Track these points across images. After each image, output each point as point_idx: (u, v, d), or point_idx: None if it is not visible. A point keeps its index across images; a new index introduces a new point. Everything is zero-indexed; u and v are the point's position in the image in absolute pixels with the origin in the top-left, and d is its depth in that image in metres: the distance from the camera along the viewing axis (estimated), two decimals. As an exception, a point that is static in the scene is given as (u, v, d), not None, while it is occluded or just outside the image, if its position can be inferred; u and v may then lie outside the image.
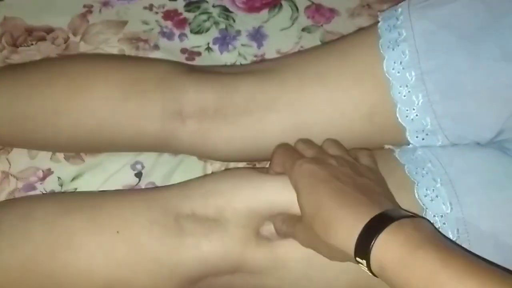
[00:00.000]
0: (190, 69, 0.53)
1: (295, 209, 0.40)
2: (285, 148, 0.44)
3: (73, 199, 0.46)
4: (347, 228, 0.35)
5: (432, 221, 0.42)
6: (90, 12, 0.66)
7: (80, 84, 0.49)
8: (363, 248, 0.33)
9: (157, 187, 0.53)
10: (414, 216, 0.35)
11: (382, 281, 0.33)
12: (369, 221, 0.34)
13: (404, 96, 0.46)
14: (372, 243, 0.33)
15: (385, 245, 0.33)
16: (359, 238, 0.33)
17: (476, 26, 0.45)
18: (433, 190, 0.43)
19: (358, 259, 0.34)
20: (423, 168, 0.45)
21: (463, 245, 0.41)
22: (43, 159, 0.54)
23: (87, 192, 0.51)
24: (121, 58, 0.59)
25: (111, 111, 0.49)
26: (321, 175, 0.38)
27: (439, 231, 0.36)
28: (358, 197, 0.36)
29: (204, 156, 0.54)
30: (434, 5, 0.47)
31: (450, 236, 0.42)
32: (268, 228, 0.43)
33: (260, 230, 0.42)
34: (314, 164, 0.39)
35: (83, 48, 0.63)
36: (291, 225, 0.40)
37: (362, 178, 0.39)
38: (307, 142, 0.45)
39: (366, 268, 0.34)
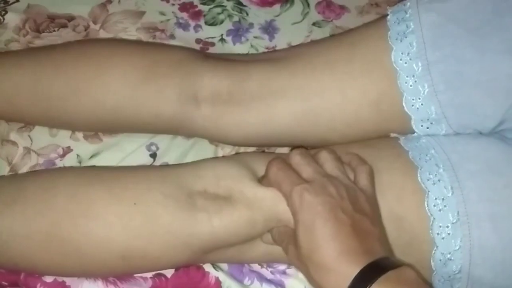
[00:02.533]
0: (205, 55, 0.55)
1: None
2: (280, 165, 0.42)
3: (93, 171, 0.48)
4: (337, 277, 0.36)
5: (433, 204, 0.44)
6: (110, 2, 0.68)
7: (101, 65, 0.52)
8: None
9: (171, 165, 0.55)
10: (403, 265, 0.37)
11: None
12: (359, 272, 0.35)
13: (411, 85, 0.48)
14: None
15: None
16: (351, 285, 0.35)
17: (481, 19, 0.47)
18: (436, 174, 0.45)
19: None
20: (427, 155, 0.47)
21: (462, 227, 0.43)
22: (63, 137, 0.56)
23: (106, 166, 0.54)
24: (140, 42, 0.61)
25: (130, 93, 0.51)
26: (319, 211, 0.38)
27: (426, 282, 0.37)
28: (352, 243, 0.37)
29: (216, 139, 0.56)
30: (442, -1, 0.49)
31: (450, 218, 0.44)
32: (267, 235, 0.45)
33: (262, 238, 0.45)
34: (314, 196, 0.39)
35: (103, 35, 0.65)
36: (285, 241, 0.42)
37: (359, 216, 0.39)
38: (303, 155, 0.43)
39: None
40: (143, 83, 0.51)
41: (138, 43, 0.61)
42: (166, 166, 0.53)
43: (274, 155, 0.51)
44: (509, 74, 0.45)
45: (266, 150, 0.59)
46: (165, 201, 0.43)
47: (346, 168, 0.44)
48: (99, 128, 0.56)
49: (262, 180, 0.45)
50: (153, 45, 0.60)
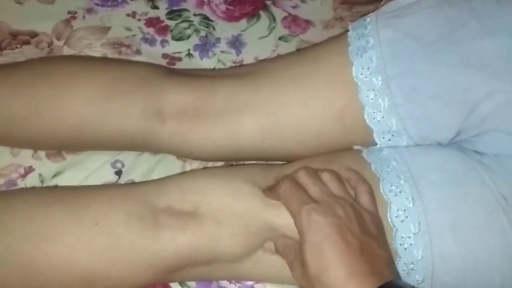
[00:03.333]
0: (170, 71, 0.55)
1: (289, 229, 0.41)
2: (290, 183, 0.43)
3: (53, 192, 0.47)
4: None
5: (396, 215, 0.45)
6: (74, 18, 0.68)
7: (62, 83, 0.51)
8: None
9: (135, 182, 0.54)
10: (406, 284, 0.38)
11: None
12: None
13: (371, 99, 0.49)
14: None
15: None
16: None
17: (437, 35, 0.48)
18: (397, 186, 0.46)
19: None
20: (388, 166, 0.48)
21: (424, 237, 0.44)
22: (25, 156, 0.55)
23: (67, 186, 0.53)
24: (104, 59, 0.61)
25: (93, 111, 0.51)
26: (327, 232, 0.39)
27: None
28: (360, 265, 0.38)
29: (183, 155, 0.56)
30: (399, 15, 0.50)
31: (412, 229, 0.44)
32: (270, 246, 0.44)
33: (263, 246, 0.45)
34: (322, 216, 0.39)
35: (67, 52, 0.65)
36: (290, 256, 0.42)
37: (366, 238, 0.39)
38: (310, 175, 0.43)
39: None
40: (106, 101, 0.51)
41: (101, 60, 0.60)
42: (130, 184, 0.53)
43: (244, 168, 0.51)
44: (464, 87, 0.46)
45: (234, 164, 0.59)
46: (128, 220, 0.43)
47: (346, 185, 0.44)
48: (62, 146, 0.55)
49: (265, 193, 0.45)
50: (116, 61, 0.59)
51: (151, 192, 0.46)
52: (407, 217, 0.44)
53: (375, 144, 0.51)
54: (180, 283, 0.50)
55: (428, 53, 0.48)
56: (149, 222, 0.43)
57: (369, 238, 0.40)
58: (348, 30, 0.53)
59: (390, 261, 0.40)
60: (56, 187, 0.53)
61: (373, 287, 0.36)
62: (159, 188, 0.46)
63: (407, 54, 0.48)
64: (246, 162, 0.58)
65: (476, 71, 0.46)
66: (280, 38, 0.70)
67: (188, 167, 0.58)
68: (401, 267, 0.44)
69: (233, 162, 0.58)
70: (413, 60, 0.48)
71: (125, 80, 0.52)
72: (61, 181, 0.54)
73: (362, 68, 0.49)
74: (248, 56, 0.68)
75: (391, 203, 0.45)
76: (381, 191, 0.45)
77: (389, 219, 0.44)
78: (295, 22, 0.72)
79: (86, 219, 0.43)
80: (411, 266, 0.44)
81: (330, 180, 0.44)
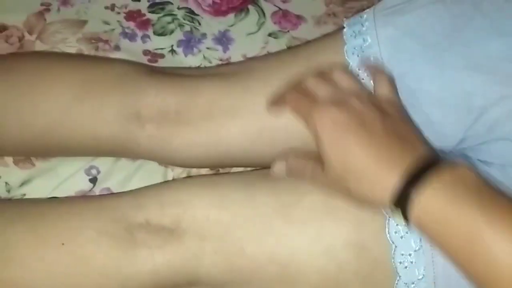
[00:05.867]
0: (150, 70, 0.51)
1: None
2: (296, 89, 0.40)
3: (15, 208, 0.43)
4: (382, 180, 0.33)
5: (395, 230, 0.41)
6: (48, 10, 0.63)
7: (31, 82, 0.46)
8: (400, 201, 0.32)
9: (109, 194, 0.50)
10: (451, 160, 0.33)
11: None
12: (406, 170, 0.32)
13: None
14: (410, 196, 0.31)
15: (425, 199, 0.31)
16: (397, 190, 0.32)
17: (440, 34, 0.45)
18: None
19: (393, 207, 0.33)
20: None
21: (426, 255, 0.40)
22: (-11, 163, 0.51)
23: (32, 199, 0.48)
24: (77, 56, 0.56)
25: (64, 113, 0.46)
26: (346, 124, 0.35)
27: (483, 176, 0.33)
28: (390, 146, 0.34)
29: (164, 161, 0.52)
30: (399, 12, 0.47)
31: (413, 245, 0.41)
32: (280, 167, 0.41)
33: (270, 171, 0.41)
34: (336, 111, 0.36)
35: (39, 47, 0.60)
36: (308, 170, 0.38)
37: (388, 119, 0.36)
38: (318, 77, 0.40)
39: (401, 217, 0.33)
40: (77, 102, 0.46)
41: (74, 56, 0.55)
42: (102, 196, 0.49)
43: (231, 175, 0.48)
44: (470, 92, 0.43)
45: (221, 171, 0.55)
46: (98, 239, 0.39)
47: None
48: (30, 152, 0.50)
49: (269, 108, 0.42)
50: (91, 59, 0.55)
51: (127, 206, 0.42)
52: (407, 232, 0.41)
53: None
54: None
55: (430, 54, 0.44)
56: (123, 240, 0.39)
57: (392, 119, 0.36)
58: (343, 27, 0.49)
59: (421, 137, 0.37)
60: (18, 200, 0.49)
61: (408, 163, 0.32)
62: (136, 200, 0.42)
63: (408, 55, 0.45)
64: (233, 169, 0.54)
65: (483, 75, 0.42)
66: (269, 35, 0.66)
67: (170, 174, 0.54)
68: (400, 286, 0.41)
69: (219, 169, 0.54)
70: (414, 62, 0.45)
71: (99, 79, 0.48)
72: (30, 190, 0.50)
73: (359, 69, 0.46)
74: (235, 53, 0.63)
75: (389, 217, 0.41)
76: None
77: (388, 235, 0.41)
78: (285, 17, 0.68)
79: (51, 239, 0.39)
80: (412, 286, 0.41)
81: (342, 78, 0.40)
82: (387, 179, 0.33)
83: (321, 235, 0.41)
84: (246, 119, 0.48)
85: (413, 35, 0.45)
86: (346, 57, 0.46)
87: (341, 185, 0.36)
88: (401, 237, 0.41)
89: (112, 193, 0.50)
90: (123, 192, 0.47)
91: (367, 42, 0.46)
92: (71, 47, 0.60)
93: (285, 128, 0.47)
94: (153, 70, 0.51)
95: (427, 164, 0.32)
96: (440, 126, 0.44)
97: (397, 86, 0.45)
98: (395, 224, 0.41)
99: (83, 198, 0.49)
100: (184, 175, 0.54)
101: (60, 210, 0.41)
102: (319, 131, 0.36)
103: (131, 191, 0.45)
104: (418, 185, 0.31)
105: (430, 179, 0.31)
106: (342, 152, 0.35)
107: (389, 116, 0.37)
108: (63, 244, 0.38)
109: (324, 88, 0.39)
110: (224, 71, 0.51)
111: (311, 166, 0.38)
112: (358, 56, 0.46)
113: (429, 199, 0.31)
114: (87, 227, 0.39)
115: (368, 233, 0.41)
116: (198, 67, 0.61)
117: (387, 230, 0.41)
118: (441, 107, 0.44)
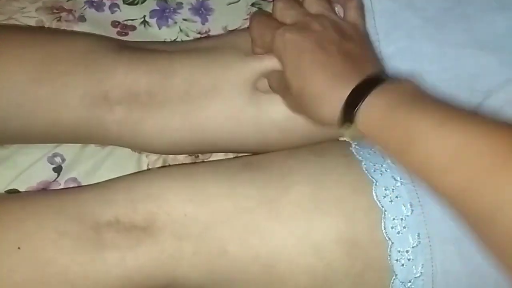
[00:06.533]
0: (119, 45, 0.45)
1: None
2: (260, 17, 0.40)
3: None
4: (333, 99, 0.34)
5: (391, 225, 0.38)
6: (3, -26, 0.56)
7: (-21, 62, 0.41)
8: (349, 116, 0.33)
9: (72, 188, 0.45)
10: (398, 78, 0.35)
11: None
12: (353, 89, 0.34)
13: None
14: (356, 110, 0.33)
15: (368, 110, 0.33)
16: (344, 106, 0.34)
17: (441, 6, 0.41)
18: (393, 190, 0.39)
19: (346, 125, 0.34)
20: (382, 165, 0.40)
21: (424, 251, 0.37)
22: None
23: (-17, 195, 0.43)
24: (36, 31, 0.50)
25: (22, 96, 0.41)
26: (304, 46, 0.36)
27: (427, 94, 0.34)
28: (343, 67, 0.35)
29: (137, 148, 0.47)
30: (396, -19, 0.42)
31: (410, 241, 0.38)
32: (263, 84, 0.41)
33: (256, 85, 0.41)
34: (296, 33, 0.37)
35: (-7, 17, 0.53)
36: (281, 88, 0.39)
37: (347, 44, 0.37)
38: (287, 1, 0.40)
39: (353, 132, 0.34)
40: (37, 84, 0.41)
41: (31, 30, 0.49)
42: (65, 190, 0.44)
43: (210, 164, 0.44)
44: (474, 72, 0.39)
45: (200, 157, 0.50)
46: (59, 240, 0.34)
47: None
48: (-17, 139, 0.45)
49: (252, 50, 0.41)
50: (52, 33, 0.49)
51: (93, 201, 0.37)
52: (404, 227, 0.38)
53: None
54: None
55: (431, 29, 0.40)
56: (89, 241, 0.35)
57: (351, 43, 0.37)
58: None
59: (376, 61, 0.38)
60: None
61: (357, 83, 0.34)
62: (103, 195, 0.38)
63: (406, 30, 0.41)
64: (213, 155, 0.50)
65: (489, 54, 0.39)
66: (252, 4, 0.60)
67: (144, 161, 0.49)
68: (397, 285, 0.38)
69: (198, 155, 0.50)
70: (413, 38, 0.41)
71: (60, 57, 0.42)
72: (-15, 181, 0.45)
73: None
74: (215, 25, 0.58)
75: (385, 211, 0.38)
76: (374, 196, 0.38)
77: (384, 231, 0.37)
78: (270, -16, 0.62)
79: (5, 242, 0.34)
80: (409, 284, 0.38)
81: (311, 3, 0.40)
82: (338, 96, 0.34)
83: (309, 232, 0.38)
84: (228, 100, 0.43)
85: (412, 8, 0.42)
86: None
87: (302, 107, 0.37)
88: (398, 233, 0.38)
89: (76, 187, 0.45)
90: (88, 185, 0.42)
91: (362, 16, 0.42)
92: (30, 18, 0.54)
93: (268, 108, 0.43)
94: (122, 45, 0.45)
95: (375, 80, 0.34)
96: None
97: (393, 65, 0.41)
98: (392, 219, 0.38)
99: (43, 193, 0.44)
100: (160, 162, 0.49)
101: (15, 209, 0.36)
102: (281, 56, 0.37)
103: (97, 184, 0.40)
104: (364, 98, 0.33)
105: (375, 92, 0.33)
106: (299, 74, 0.36)
107: (349, 40, 0.37)
108: (19, 248, 0.34)
109: (290, 13, 0.39)
110: (203, 46, 0.46)
111: (284, 86, 0.39)
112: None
113: (372, 108, 0.33)
114: (47, 227, 0.35)
115: (361, 228, 0.38)
116: (174, 41, 0.56)
117: (383, 225, 0.37)
118: (442, 88, 0.40)
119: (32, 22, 0.53)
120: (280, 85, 0.39)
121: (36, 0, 0.55)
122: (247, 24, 0.58)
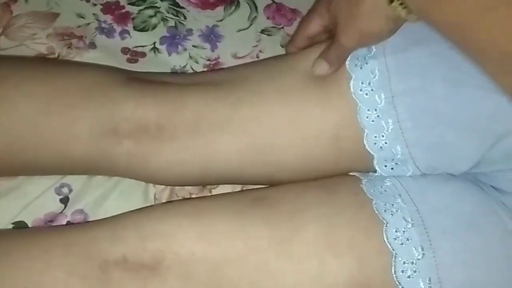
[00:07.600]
0: (128, 77, 0.45)
1: None
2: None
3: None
4: None
5: (401, 269, 0.37)
6: (14, 1, 0.56)
7: (-11, 95, 0.41)
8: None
9: (81, 223, 0.45)
10: None
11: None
12: None
13: (373, 121, 0.41)
14: None
15: None
16: None
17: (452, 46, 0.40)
18: (404, 232, 0.38)
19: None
20: (393, 205, 0.40)
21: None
22: None
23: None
24: (45, 63, 0.50)
25: (31, 129, 0.41)
26: None
27: None
28: None
29: (145, 180, 0.47)
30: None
31: (422, 286, 0.37)
32: (322, 67, 0.41)
33: (313, 72, 0.41)
34: None
35: (4, 44, 0.53)
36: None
37: None
38: None
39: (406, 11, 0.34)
40: (46, 117, 0.41)
41: (40, 63, 0.49)
42: (75, 226, 0.43)
43: (218, 198, 0.43)
44: (488, 114, 0.39)
45: (208, 186, 0.50)
46: (68, 280, 0.34)
47: None
48: (-8, 170, 0.45)
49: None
50: (60, 65, 0.49)
51: (101, 238, 0.37)
52: (415, 271, 0.37)
53: (375, 171, 0.43)
54: None
55: (444, 67, 0.40)
56: (96, 281, 0.35)
57: None
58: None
59: None
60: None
61: None
62: (112, 232, 0.37)
63: (418, 67, 0.40)
64: (220, 186, 0.49)
65: (501, 96, 0.38)
66: (262, 31, 0.60)
67: (151, 191, 0.49)
68: None
69: (207, 186, 0.50)
70: (426, 77, 0.40)
71: (68, 89, 0.42)
72: (-7, 212, 0.44)
73: (362, 83, 0.41)
74: (225, 52, 0.58)
75: (396, 253, 0.37)
76: (385, 238, 0.38)
77: (394, 275, 0.37)
78: (279, 11, 0.62)
79: (11, 283, 0.33)
80: None
81: None
82: None
83: (322, 273, 0.37)
84: (237, 136, 0.43)
85: (424, 44, 0.41)
86: (349, 70, 0.41)
87: (350, 21, 0.38)
88: (408, 277, 0.37)
89: (85, 222, 0.45)
90: (96, 220, 0.42)
91: (371, 52, 0.42)
92: (41, 44, 0.54)
93: (282, 146, 0.43)
94: (131, 77, 0.45)
95: None
96: (454, 149, 0.40)
97: (405, 103, 0.40)
98: (402, 262, 0.37)
99: (52, 229, 0.44)
100: (167, 191, 0.49)
101: (22, 247, 0.36)
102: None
103: (105, 219, 0.40)
104: None
105: None
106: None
107: None
108: None
109: None
110: (213, 80, 0.46)
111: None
112: (361, 68, 0.41)
113: None
114: (55, 267, 0.35)
115: (372, 271, 0.37)
116: (183, 73, 0.55)
117: (393, 269, 0.37)
118: (456, 129, 0.40)
119: (43, 49, 0.54)
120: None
121: (46, 27, 0.55)
122: (255, 51, 0.59)
